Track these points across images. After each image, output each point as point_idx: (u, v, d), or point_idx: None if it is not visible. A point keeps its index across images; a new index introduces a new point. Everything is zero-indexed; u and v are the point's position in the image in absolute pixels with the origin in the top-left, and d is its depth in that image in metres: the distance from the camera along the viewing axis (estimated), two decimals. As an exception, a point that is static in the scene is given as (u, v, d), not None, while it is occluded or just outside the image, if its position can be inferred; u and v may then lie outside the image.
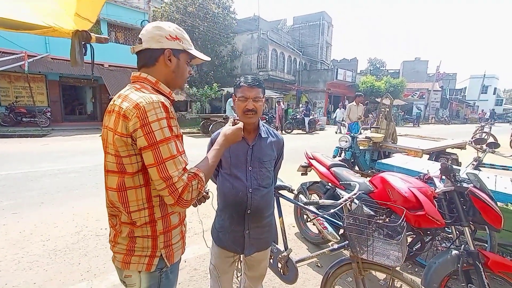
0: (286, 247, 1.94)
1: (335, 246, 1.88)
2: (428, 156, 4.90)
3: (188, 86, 16.20)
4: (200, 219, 1.46)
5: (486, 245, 2.34)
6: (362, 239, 1.45)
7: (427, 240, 2.07)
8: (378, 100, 7.62)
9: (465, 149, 5.30)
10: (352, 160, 4.84)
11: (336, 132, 14.66)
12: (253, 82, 1.33)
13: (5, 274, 2.27)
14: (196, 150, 5.88)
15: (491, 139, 8.75)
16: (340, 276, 1.69)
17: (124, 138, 0.87)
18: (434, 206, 1.80)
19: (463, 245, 1.72)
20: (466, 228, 1.75)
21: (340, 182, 2.45)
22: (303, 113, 15.21)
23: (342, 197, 1.86)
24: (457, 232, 2.04)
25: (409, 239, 2.05)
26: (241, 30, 22.12)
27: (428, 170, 2.26)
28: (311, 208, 2.06)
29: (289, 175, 3.04)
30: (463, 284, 1.68)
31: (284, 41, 25.85)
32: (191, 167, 0.97)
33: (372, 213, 1.92)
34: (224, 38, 19.98)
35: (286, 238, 1.98)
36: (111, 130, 0.91)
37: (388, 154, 4.83)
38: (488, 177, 2.52)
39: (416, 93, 31.36)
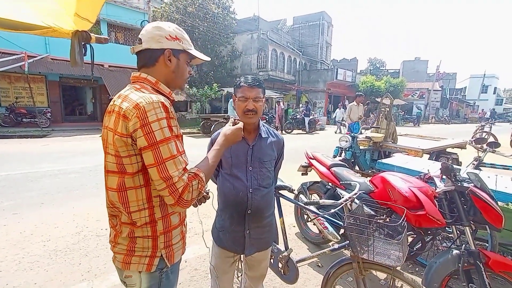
0: (286, 247, 1.94)
1: (336, 246, 1.88)
2: (428, 155, 4.90)
3: (188, 86, 16.21)
4: (200, 219, 1.46)
5: (487, 244, 2.33)
6: (362, 239, 1.44)
7: (427, 239, 2.07)
8: (378, 100, 7.62)
9: (466, 148, 5.30)
10: (353, 160, 4.84)
11: (335, 132, 14.66)
12: (253, 82, 1.33)
13: (6, 275, 2.27)
14: (196, 150, 5.87)
15: (491, 139, 8.75)
16: (341, 276, 1.69)
17: (124, 138, 0.87)
18: (435, 206, 1.80)
19: (464, 245, 1.72)
20: (467, 227, 1.74)
21: (341, 182, 2.45)
22: (303, 113, 15.21)
23: (343, 197, 1.86)
24: (457, 232, 2.03)
25: (410, 239, 2.05)
26: (241, 30, 22.12)
27: (428, 170, 2.26)
28: (312, 208, 2.06)
29: (290, 175, 3.04)
30: (464, 284, 1.68)
31: (284, 41, 25.85)
32: (191, 167, 0.97)
33: (372, 213, 1.92)
34: (224, 38, 19.98)
35: (286, 238, 1.98)
36: (111, 130, 0.91)
37: (389, 154, 4.82)
38: (488, 177, 2.52)
39: (416, 93, 31.34)
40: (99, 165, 5.36)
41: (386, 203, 1.96)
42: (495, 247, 2.24)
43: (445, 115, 30.86)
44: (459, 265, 1.67)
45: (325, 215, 2.00)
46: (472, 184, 1.76)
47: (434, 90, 30.91)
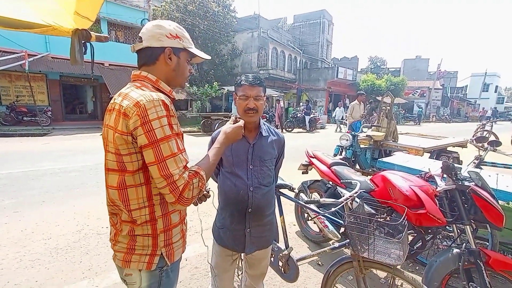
0: (287, 246, 1.94)
1: (336, 244, 1.88)
2: (429, 154, 4.89)
3: (188, 85, 16.21)
4: (200, 218, 1.46)
5: (488, 243, 2.33)
6: (363, 238, 1.44)
7: (428, 238, 2.07)
8: (379, 98, 7.60)
9: (466, 147, 5.28)
10: (353, 159, 4.83)
11: (336, 131, 14.64)
12: (254, 80, 1.33)
13: (7, 272, 2.28)
14: (197, 148, 5.87)
15: (492, 137, 8.72)
16: (341, 274, 1.69)
17: (124, 136, 0.87)
18: (436, 205, 1.80)
19: (464, 244, 1.72)
20: (468, 226, 1.74)
21: (341, 181, 2.45)
22: (303, 111, 15.18)
23: (343, 196, 1.86)
24: (458, 231, 2.03)
25: (410, 238, 2.04)
26: (242, 29, 22.07)
27: (429, 169, 2.25)
28: (312, 206, 2.06)
29: (290, 173, 3.04)
30: (464, 283, 1.68)
31: (285, 40, 25.80)
32: (191, 165, 0.97)
33: (373, 211, 1.92)
34: (225, 37, 19.95)
35: (287, 237, 1.98)
36: (111, 128, 0.91)
37: (389, 152, 4.81)
38: (489, 176, 2.52)
39: (417, 92, 31.25)
40: (100, 163, 5.38)
41: (386, 202, 1.96)
42: (496, 246, 2.23)
43: (446, 114, 30.78)
44: (460, 264, 1.67)
45: (325, 214, 2.00)
46: (473, 183, 1.76)
47: (435, 89, 30.83)
